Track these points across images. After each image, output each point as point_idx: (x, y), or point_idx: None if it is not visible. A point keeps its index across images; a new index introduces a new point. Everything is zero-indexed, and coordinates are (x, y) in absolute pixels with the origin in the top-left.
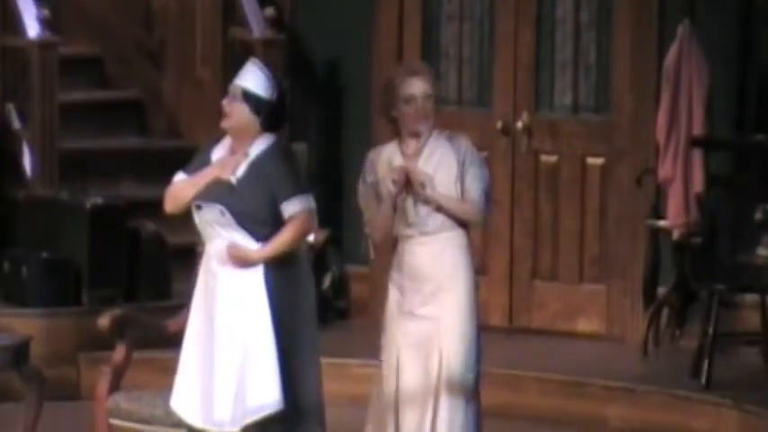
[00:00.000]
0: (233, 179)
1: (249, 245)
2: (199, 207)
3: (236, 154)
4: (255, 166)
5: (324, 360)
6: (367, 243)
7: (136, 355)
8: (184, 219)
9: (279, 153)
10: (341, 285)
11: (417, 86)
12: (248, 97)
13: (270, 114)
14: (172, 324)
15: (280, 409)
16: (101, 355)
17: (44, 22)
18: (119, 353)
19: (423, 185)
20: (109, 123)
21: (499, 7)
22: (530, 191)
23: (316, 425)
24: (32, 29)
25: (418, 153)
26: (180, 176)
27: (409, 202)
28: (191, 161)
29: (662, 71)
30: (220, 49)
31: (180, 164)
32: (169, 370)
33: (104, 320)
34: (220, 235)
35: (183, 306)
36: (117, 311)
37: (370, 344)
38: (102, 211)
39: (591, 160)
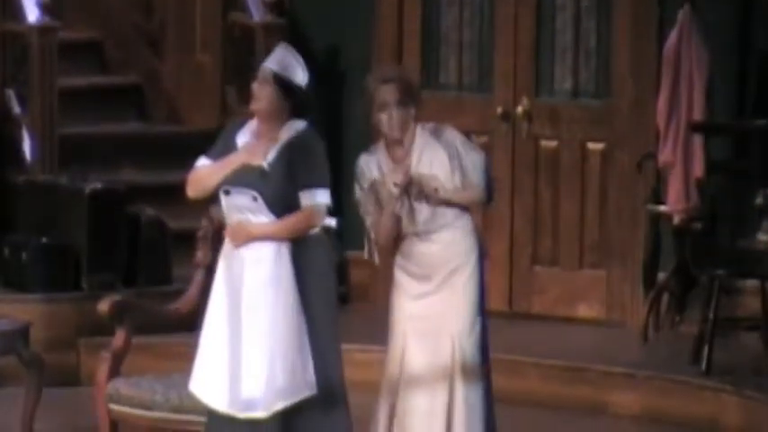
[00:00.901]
0: (264, 164)
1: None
2: (227, 192)
3: (262, 138)
4: (286, 151)
5: None
6: (371, 247)
7: (135, 340)
8: (184, 204)
9: (310, 140)
10: (341, 271)
11: (389, 93)
12: (279, 81)
13: (300, 99)
14: (173, 309)
15: (313, 393)
16: (100, 340)
17: (44, 7)
18: (118, 338)
19: (436, 190)
20: (109, 108)
21: None
22: (530, 176)
23: (342, 409)
24: (32, 14)
25: (407, 157)
26: (203, 161)
27: (407, 209)
28: (212, 145)
29: (662, 56)
30: (220, 33)
31: (180, 149)
32: (169, 355)
33: (104, 306)
34: (248, 220)
35: (182, 291)
36: (117, 297)
37: (370, 329)
38: (101, 196)
39: (591, 145)
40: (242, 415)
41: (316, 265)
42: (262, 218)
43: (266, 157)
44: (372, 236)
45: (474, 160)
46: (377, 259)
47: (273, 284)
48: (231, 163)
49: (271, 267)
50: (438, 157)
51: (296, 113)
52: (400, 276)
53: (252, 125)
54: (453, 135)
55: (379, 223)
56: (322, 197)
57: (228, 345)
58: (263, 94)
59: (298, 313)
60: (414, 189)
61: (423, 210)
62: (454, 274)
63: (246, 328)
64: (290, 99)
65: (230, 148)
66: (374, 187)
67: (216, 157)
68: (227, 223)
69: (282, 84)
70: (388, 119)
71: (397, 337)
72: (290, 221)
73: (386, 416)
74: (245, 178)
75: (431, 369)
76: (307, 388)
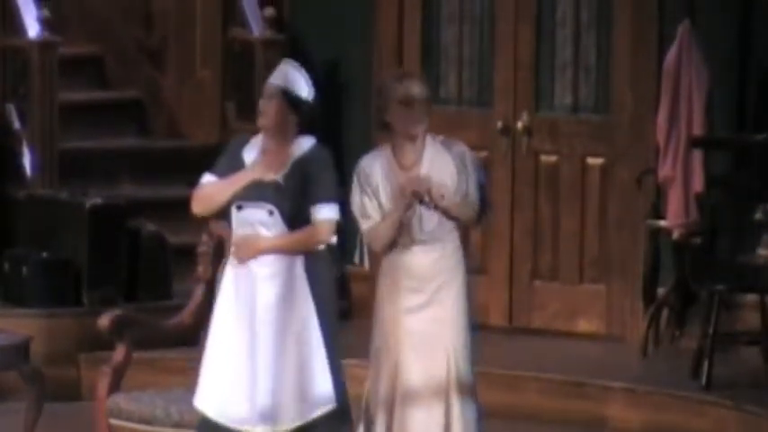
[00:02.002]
0: (279, 179)
1: None
2: (240, 207)
3: (271, 154)
4: (299, 167)
5: None
6: (362, 252)
7: (136, 355)
8: (185, 219)
9: (323, 156)
10: (342, 286)
11: (414, 89)
12: (286, 96)
13: (308, 114)
14: (173, 324)
15: (333, 407)
16: (101, 355)
17: (44, 22)
18: (119, 353)
19: (442, 196)
20: (109, 123)
21: (499, 7)
22: (530, 191)
23: (349, 422)
24: (32, 29)
25: (418, 162)
26: (209, 178)
27: (417, 216)
28: (216, 162)
29: (662, 72)
30: (220, 49)
31: (180, 164)
32: (169, 370)
33: (104, 321)
34: (255, 232)
35: (183, 306)
36: (117, 311)
37: (370, 344)
38: (102, 210)
39: (591, 160)
40: (261, 429)
41: (322, 280)
42: (276, 233)
43: (279, 173)
44: (367, 240)
45: (478, 180)
46: (367, 264)
47: (290, 299)
48: (242, 179)
49: (286, 282)
50: (447, 168)
51: (303, 128)
52: (389, 289)
53: (257, 141)
54: (463, 150)
55: (379, 228)
56: (332, 212)
57: (247, 361)
58: (270, 110)
59: (314, 327)
60: (426, 196)
61: (432, 218)
62: (443, 288)
63: (264, 344)
64: (298, 114)
65: (237, 164)
66: (377, 191)
67: (222, 173)
68: (234, 238)
69: (290, 99)
70: (409, 112)
71: (390, 353)
72: (300, 236)
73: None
74: (259, 193)
75: (427, 384)
76: (327, 401)
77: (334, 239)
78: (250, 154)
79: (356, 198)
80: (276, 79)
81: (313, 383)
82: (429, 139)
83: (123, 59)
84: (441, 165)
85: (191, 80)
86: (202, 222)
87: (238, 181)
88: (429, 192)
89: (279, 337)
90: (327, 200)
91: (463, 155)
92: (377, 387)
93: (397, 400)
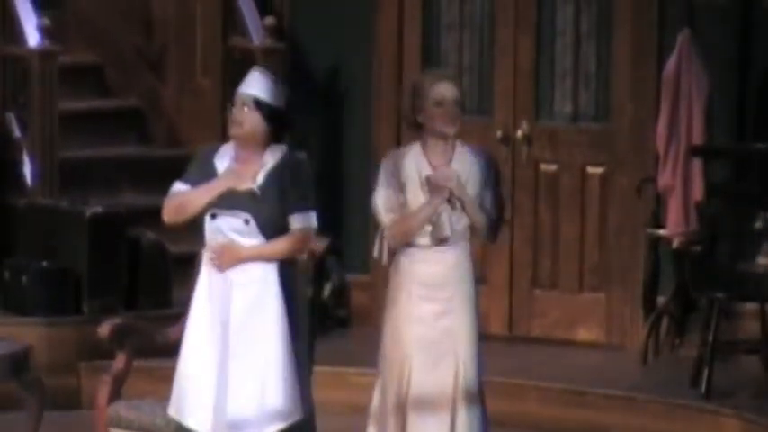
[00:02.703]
0: (255, 188)
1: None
2: (214, 216)
3: (245, 163)
4: (273, 175)
5: (324, 368)
6: (381, 247)
7: (136, 363)
8: (186, 228)
9: (296, 164)
10: (341, 294)
11: (449, 90)
12: (260, 106)
13: (281, 122)
14: (173, 332)
15: (301, 418)
16: (101, 363)
17: (44, 31)
18: (119, 361)
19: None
20: (109, 132)
21: (499, 16)
22: (530, 200)
23: None
24: (33, 37)
25: (447, 163)
26: (179, 187)
27: (445, 214)
28: (185, 171)
29: (662, 80)
30: (220, 57)
31: (180, 172)
32: (169, 379)
33: (104, 329)
34: (228, 240)
35: (183, 315)
36: (117, 320)
37: (370, 352)
38: (102, 219)
39: (591, 169)
40: None
41: (295, 294)
42: (252, 241)
43: (253, 181)
44: (389, 233)
45: (499, 195)
46: (385, 259)
47: (263, 307)
48: (216, 188)
49: (259, 290)
50: (473, 175)
51: (276, 136)
52: (400, 297)
53: (228, 149)
54: (490, 161)
55: (406, 222)
56: (310, 220)
57: (217, 368)
58: (246, 119)
59: (279, 339)
60: (454, 190)
61: (462, 219)
62: (455, 297)
63: (236, 351)
64: (271, 122)
65: (209, 172)
66: (404, 186)
67: (194, 182)
68: (210, 246)
69: (264, 108)
70: (444, 112)
71: (400, 361)
72: (283, 244)
73: None
74: (235, 202)
75: (436, 393)
76: (296, 412)
77: (310, 249)
78: (222, 162)
79: (381, 191)
80: (249, 88)
81: (273, 396)
82: (458, 144)
83: (123, 68)
84: (469, 170)
85: (191, 88)
86: (203, 231)
87: (212, 190)
88: (456, 187)
89: (252, 344)
90: (305, 208)
91: (489, 166)
92: (386, 394)
93: (407, 408)
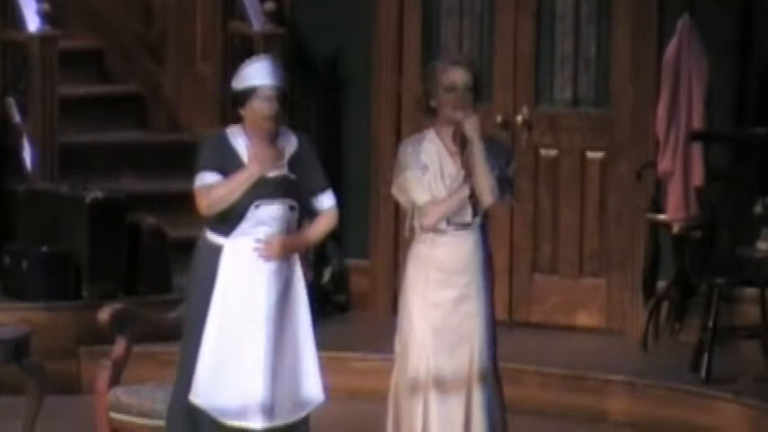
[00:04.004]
0: (288, 173)
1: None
2: (258, 206)
3: (265, 149)
4: (296, 159)
5: (324, 354)
6: (413, 227)
7: (136, 348)
8: (185, 212)
9: (311, 146)
10: (341, 279)
11: (459, 75)
12: (282, 94)
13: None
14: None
15: (323, 401)
16: (101, 348)
17: (44, 16)
18: (119, 347)
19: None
20: (109, 117)
21: (499, 1)
22: (530, 185)
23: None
24: (33, 23)
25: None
26: (208, 178)
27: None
28: (206, 158)
29: (662, 65)
30: (220, 43)
31: (180, 157)
32: (170, 363)
33: (104, 314)
34: (273, 229)
35: (183, 300)
36: (117, 305)
37: (370, 338)
38: (102, 204)
39: (591, 154)
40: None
41: (306, 278)
42: (289, 227)
43: (283, 167)
44: (422, 213)
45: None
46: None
47: (293, 293)
48: (250, 176)
49: (289, 276)
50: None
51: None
52: (418, 282)
53: (237, 132)
54: (501, 143)
55: (437, 206)
56: (333, 199)
57: (264, 357)
58: (276, 111)
59: (308, 324)
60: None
61: (478, 209)
62: (473, 282)
63: (274, 337)
64: (284, 107)
65: (231, 156)
66: (426, 170)
67: (219, 169)
68: (255, 238)
69: (284, 96)
70: (454, 98)
71: (418, 346)
72: (320, 227)
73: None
74: (274, 189)
75: (453, 376)
76: (317, 398)
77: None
78: (238, 143)
79: (407, 173)
80: (273, 80)
81: (307, 381)
82: None
83: (123, 53)
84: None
85: (191, 74)
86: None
87: (248, 179)
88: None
89: (284, 331)
90: (327, 187)
91: (495, 145)
92: (404, 378)
93: (425, 391)
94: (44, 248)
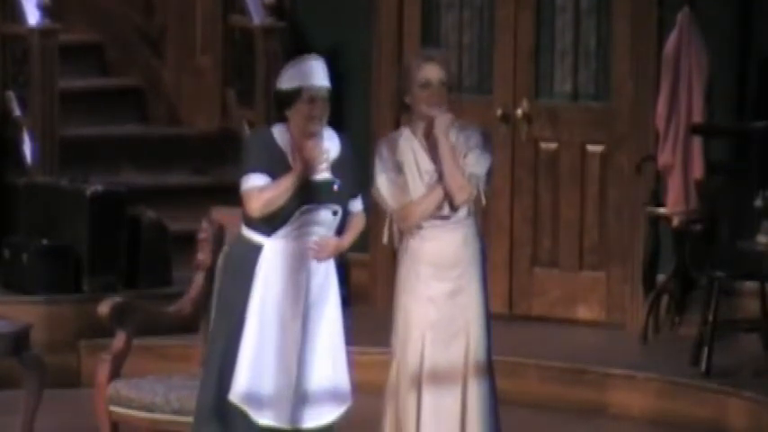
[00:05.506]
0: (333, 178)
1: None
2: (306, 211)
3: (305, 148)
4: (338, 164)
5: None
6: (391, 232)
7: (136, 342)
8: (185, 206)
9: (348, 148)
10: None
11: (433, 72)
12: (328, 94)
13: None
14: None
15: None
16: (101, 342)
17: (44, 9)
18: (119, 340)
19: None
20: (109, 110)
21: None
22: (530, 178)
23: None
24: (33, 16)
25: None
26: (258, 180)
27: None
28: (253, 159)
29: (662, 58)
30: (221, 36)
31: (180, 151)
32: (169, 357)
33: (104, 308)
34: (316, 233)
35: (183, 293)
36: (117, 299)
37: (370, 331)
38: (102, 198)
39: (591, 147)
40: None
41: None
42: (331, 231)
43: (326, 171)
44: (401, 215)
45: (477, 156)
46: (397, 243)
47: (328, 292)
48: (294, 179)
49: (324, 276)
50: (459, 151)
51: None
52: (412, 278)
53: (281, 131)
54: (477, 131)
55: (416, 207)
56: (362, 203)
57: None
58: (325, 113)
59: (341, 321)
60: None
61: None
62: (465, 275)
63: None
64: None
65: (278, 156)
66: (401, 169)
67: (269, 170)
68: (305, 239)
69: (330, 96)
70: (428, 95)
71: (414, 341)
72: (358, 229)
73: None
74: (319, 194)
75: (449, 370)
76: (348, 398)
77: None
78: (284, 143)
79: (382, 176)
80: (321, 80)
81: (338, 383)
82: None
83: (123, 46)
84: (462, 143)
85: (191, 67)
86: (202, 209)
87: (296, 181)
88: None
89: (321, 331)
90: (359, 191)
91: (473, 136)
92: (402, 373)
93: (422, 385)
94: (44, 242)
